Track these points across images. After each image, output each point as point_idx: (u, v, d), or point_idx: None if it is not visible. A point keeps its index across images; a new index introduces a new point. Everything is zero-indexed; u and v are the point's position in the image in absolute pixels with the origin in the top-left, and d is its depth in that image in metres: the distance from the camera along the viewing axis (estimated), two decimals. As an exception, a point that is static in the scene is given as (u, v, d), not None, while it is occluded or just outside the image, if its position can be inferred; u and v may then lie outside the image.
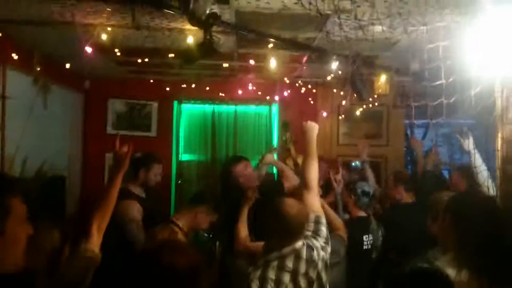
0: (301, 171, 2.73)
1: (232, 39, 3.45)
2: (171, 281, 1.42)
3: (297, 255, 2.24)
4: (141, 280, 1.46)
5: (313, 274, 2.25)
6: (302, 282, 2.23)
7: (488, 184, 2.73)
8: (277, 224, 2.27)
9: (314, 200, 2.54)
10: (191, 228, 2.95)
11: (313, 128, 2.78)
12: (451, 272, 1.73)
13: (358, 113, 5.34)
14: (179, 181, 5.64)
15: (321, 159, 2.96)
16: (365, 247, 3.28)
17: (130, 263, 1.60)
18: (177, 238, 2.03)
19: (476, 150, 3.01)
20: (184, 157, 5.71)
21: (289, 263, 2.23)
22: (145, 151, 5.17)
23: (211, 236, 3.92)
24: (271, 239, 2.31)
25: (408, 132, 6.24)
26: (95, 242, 1.83)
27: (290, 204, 2.31)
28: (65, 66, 3.80)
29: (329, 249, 2.38)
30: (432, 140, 5.63)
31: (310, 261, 2.25)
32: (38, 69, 3.53)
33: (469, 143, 3.21)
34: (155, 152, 5.33)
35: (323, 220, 2.46)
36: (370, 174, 4.50)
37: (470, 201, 1.89)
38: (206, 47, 2.50)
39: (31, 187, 3.46)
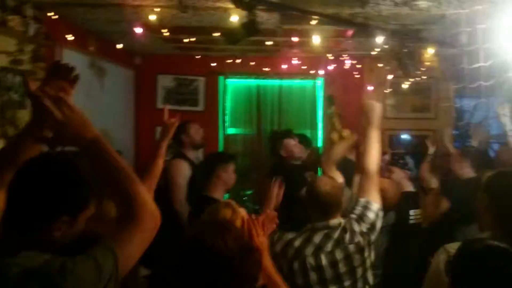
0: (360, 155, 2.67)
1: (276, 16, 3.47)
2: (217, 263, 1.42)
3: (327, 233, 2.30)
4: (186, 262, 1.47)
5: (339, 255, 2.26)
6: (324, 259, 2.26)
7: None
8: (311, 200, 2.36)
9: (370, 185, 2.44)
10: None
11: (374, 108, 2.56)
12: None
13: (405, 86, 5.23)
14: (230, 155, 5.77)
15: None
16: (411, 221, 3.32)
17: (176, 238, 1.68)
18: (237, 218, 2.08)
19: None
20: (231, 131, 5.84)
21: (317, 238, 2.29)
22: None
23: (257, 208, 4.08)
24: (308, 213, 2.40)
25: (457, 105, 6.03)
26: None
27: (325, 182, 2.38)
28: (116, 44, 3.95)
29: (373, 236, 2.33)
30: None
31: (341, 243, 2.27)
32: (92, 48, 3.70)
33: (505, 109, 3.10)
34: (203, 126, 5.55)
35: (373, 207, 2.38)
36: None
37: (507, 182, 1.87)
38: (249, 27, 2.55)
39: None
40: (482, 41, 1.78)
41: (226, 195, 3.62)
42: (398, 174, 3.54)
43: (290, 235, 2.36)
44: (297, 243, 2.31)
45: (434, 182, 3.82)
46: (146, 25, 3.38)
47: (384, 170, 3.59)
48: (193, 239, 1.49)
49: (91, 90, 3.88)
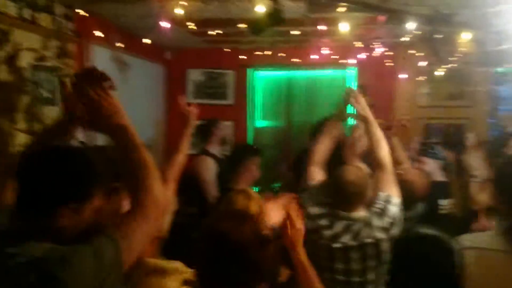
0: (370, 150, 2.64)
1: (302, 5, 3.42)
2: (231, 252, 1.42)
3: (348, 225, 2.29)
4: (202, 250, 1.49)
5: (352, 242, 2.26)
6: (337, 246, 2.27)
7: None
8: (335, 188, 2.35)
9: (387, 179, 2.42)
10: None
11: (358, 98, 2.59)
12: (497, 240, 1.70)
13: (439, 73, 5.06)
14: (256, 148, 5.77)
15: None
16: (441, 211, 3.22)
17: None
18: (253, 204, 2.08)
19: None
20: (260, 123, 5.81)
21: (338, 227, 2.29)
22: (223, 119, 5.40)
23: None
24: (332, 200, 2.39)
25: (494, 90, 5.80)
26: (169, 187, 2.05)
27: (351, 172, 2.34)
28: (144, 40, 3.99)
29: (394, 230, 2.28)
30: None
31: (358, 237, 2.26)
32: (120, 44, 3.74)
33: None
34: (233, 119, 5.57)
35: (395, 201, 2.35)
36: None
37: (506, 168, 1.84)
38: (274, 16, 2.51)
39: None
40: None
41: (256, 188, 3.62)
42: (430, 164, 3.45)
43: (315, 210, 2.37)
44: (315, 223, 2.33)
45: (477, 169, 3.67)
46: (173, 19, 3.39)
47: (414, 160, 3.52)
48: (209, 227, 1.49)
49: (119, 86, 3.93)
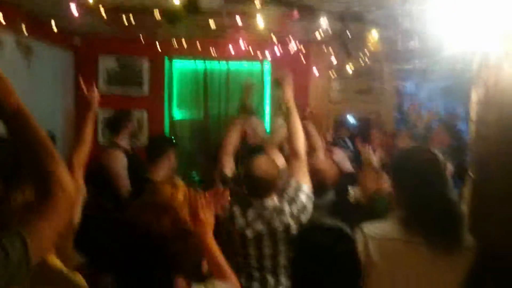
0: (288, 138, 2.75)
1: (220, -3, 3.40)
2: (151, 244, 1.41)
3: (259, 213, 2.40)
4: (126, 240, 1.47)
5: (265, 236, 2.38)
6: (249, 233, 2.38)
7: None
8: (246, 178, 2.47)
9: (300, 168, 2.55)
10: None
11: (288, 88, 2.73)
12: (396, 229, 1.82)
13: (349, 70, 5.31)
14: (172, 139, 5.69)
15: None
16: (350, 199, 3.41)
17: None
18: (179, 193, 2.07)
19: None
20: (177, 115, 5.72)
21: (250, 215, 2.40)
22: (138, 108, 5.24)
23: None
24: (244, 189, 2.50)
25: (400, 86, 6.23)
26: (77, 174, 2.03)
27: (261, 162, 2.46)
28: (52, 24, 3.75)
29: (304, 216, 2.43)
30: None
31: (270, 223, 2.38)
32: (24, 28, 3.48)
33: None
34: (148, 110, 5.42)
35: (305, 189, 2.48)
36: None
37: (405, 162, 1.95)
38: (190, 6, 2.49)
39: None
40: (418, 22, 1.83)
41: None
42: (339, 154, 3.63)
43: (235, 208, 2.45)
44: (235, 211, 2.43)
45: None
46: (84, 3, 3.21)
47: (326, 151, 3.68)
48: (129, 219, 1.46)
49: (19, 72, 3.70)
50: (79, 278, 1.65)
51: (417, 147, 2.89)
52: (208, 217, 1.86)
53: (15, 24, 3.50)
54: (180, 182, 2.24)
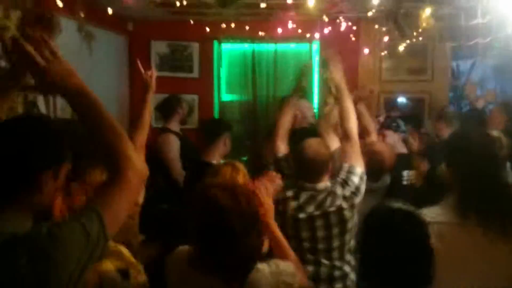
0: (339, 121, 2.70)
1: (269, -22, 3.39)
2: (230, 223, 1.44)
3: (312, 195, 2.39)
4: (200, 223, 1.50)
5: (318, 218, 2.37)
6: (302, 215, 2.38)
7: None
8: (297, 162, 2.47)
9: (352, 150, 2.51)
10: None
11: (336, 69, 2.68)
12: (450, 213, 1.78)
13: (401, 48, 5.16)
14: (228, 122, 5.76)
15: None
16: (404, 182, 3.35)
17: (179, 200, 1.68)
18: (239, 176, 2.13)
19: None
20: (226, 97, 5.79)
21: (303, 198, 2.40)
22: (188, 92, 5.33)
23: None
24: (295, 173, 2.50)
25: (454, 66, 6.01)
26: (140, 154, 2.07)
27: (311, 145, 2.44)
28: (107, 10, 3.86)
29: (357, 199, 2.41)
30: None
31: (322, 206, 2.37)
32: (82, 15, 3.61)
33: None
34: (198, 93, 5.52)
35: (357, 171, 2.45)
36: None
37: (460, 144, 1.91)
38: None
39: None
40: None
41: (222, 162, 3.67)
42: (392, 137, 3.57)
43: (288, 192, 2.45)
44: (288, 194, 2.43)
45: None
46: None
47: (379, 133, 3.62)
48: (207, 200, 1.49)
49: (80, 57, 3.83)
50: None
51: (473, 129, 2.81)
52: (267, 200, 1.89)
53: (74, 10, 3.62)
54: (240, 165, 2.27)
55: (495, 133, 2.58)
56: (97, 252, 1.16)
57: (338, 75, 2.67)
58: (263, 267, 1.55)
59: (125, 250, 1.82)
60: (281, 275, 1.56)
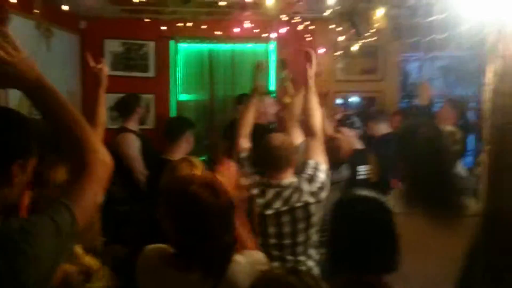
0: (304, 117, 2.74)
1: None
2: (211, 217, 1.45)
3: (278, 192, 2.43)
4: (172, 212, 1.50)
5: (284, 214, 2.42)
6: (268, 212, 2.41)
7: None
8: (262, 154, 2.49)
9: (317, 147, 2.56)
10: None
11: (313, 65, 2.69)
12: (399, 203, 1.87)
13: (354, 48, 5.32)
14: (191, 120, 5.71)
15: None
16: (360, 177, 3.48)
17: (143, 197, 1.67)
18: (197, 171, 2.12)
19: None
20: (183, 97, 5.75)
21: (269, 195, 2.43)
22: (144, 91, 5.25)
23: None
24: (262, 170, 2.52)
25: (405, 66, 6.26)
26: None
27: (276, 137, 2.49)
28: (61, 7, 3.75)
29: (323, 194, 2.46)
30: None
31: (288, 202, 2.41)
32: (38, 12, 3.48)
33: None
34: (154, 92, 5.44)
35: (322, 167, 2.50)
36: None
37: (408, 136, 1.99)
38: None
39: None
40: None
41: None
42: (347, 133, 3.68)
43: (248, 180, 2.48)
44: (254, 192, 2.46)
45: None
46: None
47: (335, 130, 3.73)
48: (187, 197, 1.48)
49: (38, 55, 3.71)
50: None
51: (421, 122, 2.92)
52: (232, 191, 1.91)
53: (30, 7, 3.49)
54: (197, 160, 2.27)
55: (449, 128, 2.70)
56: (70, 244, 1.16)
57: (310, 74, 2.67)
58: (239, 259, 1.57)
59: (88, 255, 1.81)
60: (256, 264, 1.58)
